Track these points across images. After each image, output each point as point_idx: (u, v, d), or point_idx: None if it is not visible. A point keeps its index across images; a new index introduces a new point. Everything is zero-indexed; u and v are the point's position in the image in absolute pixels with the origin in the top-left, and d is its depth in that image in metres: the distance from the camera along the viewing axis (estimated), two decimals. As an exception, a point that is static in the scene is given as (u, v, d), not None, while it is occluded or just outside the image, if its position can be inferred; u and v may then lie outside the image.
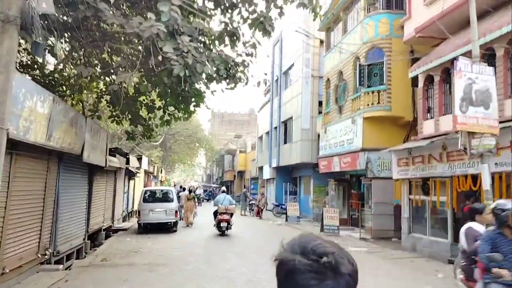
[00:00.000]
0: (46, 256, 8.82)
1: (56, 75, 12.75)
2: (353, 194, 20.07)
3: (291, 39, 25.96)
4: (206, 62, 8.04)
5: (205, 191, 49.93)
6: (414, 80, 15.74)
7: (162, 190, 17.88)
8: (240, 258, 10.50)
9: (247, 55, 8.83)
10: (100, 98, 13.72)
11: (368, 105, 16.14)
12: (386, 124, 16.22)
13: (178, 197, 19.25)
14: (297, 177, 27.01)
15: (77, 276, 8.46)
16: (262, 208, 25.69)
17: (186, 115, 12.07)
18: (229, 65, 8.74)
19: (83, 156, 9.67)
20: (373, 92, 16.04)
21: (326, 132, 20.15)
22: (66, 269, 9.25)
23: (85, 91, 14.50)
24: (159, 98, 12.01)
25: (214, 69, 8.34)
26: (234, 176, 46.47)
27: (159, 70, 7.92)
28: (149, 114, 12.30)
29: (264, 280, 7.95)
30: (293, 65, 25.20)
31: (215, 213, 15.73)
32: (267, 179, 31.10)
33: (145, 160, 24.42)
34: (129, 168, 19.66)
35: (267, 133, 30.95)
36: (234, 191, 47.20)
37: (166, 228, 16.06)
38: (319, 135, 22.75)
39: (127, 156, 17.62)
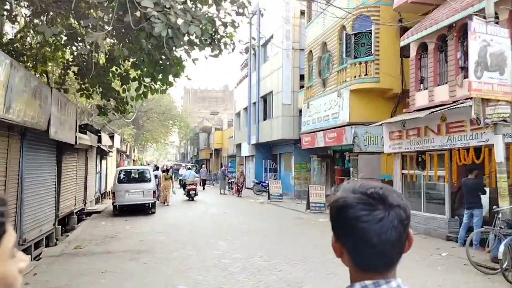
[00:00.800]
0: (10, 246, 7.73)
1: (16, 44, 11.35)
2: (336, 170, 19.57)
3: (270, 10, 24.75)
4: (191, 22, 7.01)
5: (177, 170, 48.72)
6: (404, 50, 15.09)
7: (138, 170, 16.77)
8: (228, 242, 9.70)
9: (238, 14, 7.80)
10: (67, 70, 12.37)
11: (355, 77, 15.41)
12: (373, 97, 15.58)
13: (155, 177, 18.23)
14: (277, 154, 26.32)
15: (48, 267, 7.47)
16: (241, 186, 24.96)
17: (164, 87, 11.00)
18: (217, 27, 7.73)
19: (49, 132, 8.51)
20: (360, 63, 15.29)
21: (309, 106, 19.39)
22: (34, 259, 8.22)
23: (49, 62, 13.09)
24: (133, 69, 10.86)
25: (200, 30, 7.29)
26: (210, 154, 45.45)
27: (136, 29, 6.83)
28: (123, 86, 11.12)
29: (262, 267, 7.17)
30: (272, 37, 24.10)
31: (184, 185, 20.93)
32: (245, 157, 30.31)
33: (117, 138, 23.09)
34: (101, 146, 18.38)
35: (245, 109, 29.96)
36: (211, 169, 46.28)
37: (143, 209, 15.06)
38: (300, 111, 22.01)
39: (99, 134, 16.35)
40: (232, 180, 25.78)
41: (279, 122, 22.45)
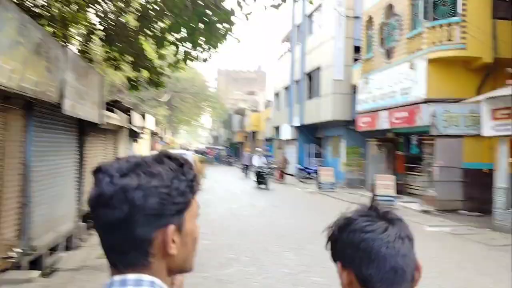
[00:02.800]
0: (12, 259, 5.73)
1: (32, 3, 9.32)
2: (399, 157, 16.91)
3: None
4: None
5: (202, 153, 46.87)
6: (497, 10, 12.19)
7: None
8: (295, 252, 7.42)
9: None
10: (91, 34, 10.22)
11: (434, 43, 12.62)
12: (455, 69, 12.83)
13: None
14: (322, 138, 23.77)
15: (60, 291, 5.40)
16: (283, 171, 22.70)
17: (209, 50, 8.71)
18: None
19: (63, 105, 6.38)
20: (441, 26, 12.46)
21: (368, 82, 16.69)
22: (46, 274, 6.20)
23: (70, 26, 10.96)
24: (171, 32, 8.60)
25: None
26: (245, 137, 43.27)
27: None
28: (158, 51, 8.87)
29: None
30: (320, 5, 21.33)
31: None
32: (286, 140, 27.88)
33: (150, 118, 21.16)
34: (132, 127, 16.41)
35: (286, 88, 27.41)
36: (243, 153, 44.18)
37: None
38: (355, 87, 19.32)
39: (129, 113, 14.32)
40: (274, 166, 23.48)
41: (328, 100, 19.84)
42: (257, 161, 19.64)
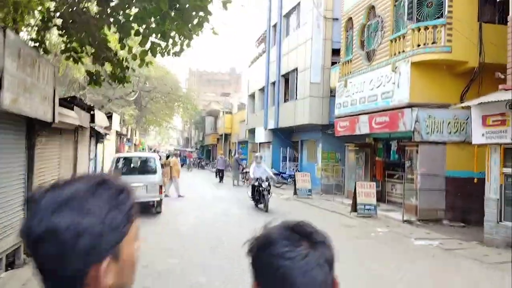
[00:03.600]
0: None
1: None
2: (378, 162, 16.34)
3: (296, -26, 21.28)
4: None
5: (178, 155, 45.52)
6: (483, 14, 11.77)
7: (140, 158, 13.51)
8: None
9: None
10: (48, 23, 9.04)
11: (418, 45, 12.07)
12: (439, 73, 12.30)
13: (162, 166, 15.05)
14: (298, 141, 23.06)
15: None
16: (257, 176, 21.75)
17: (179, 45, 7.77)
18: None
19: (0, 99, 5.26)
20: (426, 28, 11.92)
21: (347, 85, 16.07)
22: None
23: (24, 12, 9.73)
24: (137, 22, 7.61)
25: None
26: (218, 139, 42.22)
27: None
28: (122, 41, 7.81)
29: None
30: (298, 5, 20.67)
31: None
32: (260, 143, 27.07)
33: (116, 118, 19.85)
34: (96, 128, 15.15)
35: (262, 89, 26.61)
36: (215, 156, 43.08)
37: (146, 209, 11.91)
38: (333, 91, 18.71)
39: (92, 112, 13.09)
40: (247, 169, 22.56)
41: (305, 104, 19.14)
42: (257, 172, 14.17)
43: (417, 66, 12.15)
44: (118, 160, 12.14)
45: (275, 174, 21.33)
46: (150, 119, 36.57)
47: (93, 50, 8.86)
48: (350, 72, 16.08)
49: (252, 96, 29.23)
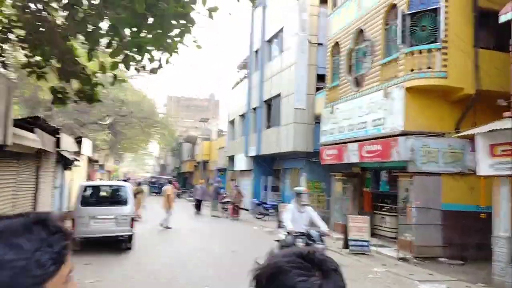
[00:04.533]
0: None
1: None
2: (366, 193, 15.48)
3: (279, -1, 20.89)
4: None
5: (153, 183, 43.63)
6: (478, 39, 11.32)
7: (111, 186, 12.19)
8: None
9: None
10: (7, 33, 7.95)
11: (412, 70, 11.46)
12: (434, 99, 11.69)
13: (135, 195, 13.75)
14: (280, 170, 22.10)
15: None
16: (237, 206, 20.62)
17: (161, 55, 6.79)
18: None
19: None
20: (420, 52, 11.36)
21: (334, 112, 15.35)
22: None
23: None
24: (110, 36, 6.64)
25: None
26: (195, 166, 40.83)
27: None
28: (91, 52, 6.76)
29: None
30: (281, 30, 20.14)
31: None
32: (240, 171, 25.97)
33: (87, 143, 18.47)
34: (62, 152, 13.81)
35: (243, 115, 25.74)
36: (193, 183, 41.57)
37: (115, 244, 10.57)
38: (317, 118, 17.99)
39: (57, 135, 11.81)
40: (228, 199, 21.36)
41: (289, 130, 18.30)
42: (298, 219, 7.87)
43: (411, 92, 11.50)
44: (85, 189, 10.80)
45: (257, 204, 20.26)
46: (126, 145, 35.10)
47: (58, 65, 7.80)
48: (338, 98, 15.40)
49: (232, 122, 28.31)
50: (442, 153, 11.68)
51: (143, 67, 7.43)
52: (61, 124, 19.79)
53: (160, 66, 7.19)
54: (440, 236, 11.52)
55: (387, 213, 14.44)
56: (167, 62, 7.08)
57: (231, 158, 27.82)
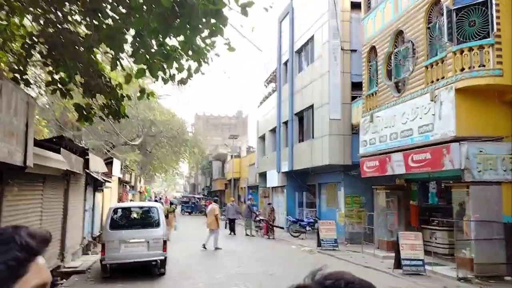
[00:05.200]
0: None
1: None
2: (412, 207, 14.30)
3: (306, 8, 20.25)
4: None
5: (185, 202, 43.16)
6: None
7: (141, 208, 11.57)
8: None
9: None
10: (30, 49, 7.52)
11: (463, 69, 10.43)
12: (487, 100, 10.58)
13: (166, 216, 13.13)
14: (315, 185, 21.08)
15: None
16: (272, 224, 19.71)
17: (189, 65, 6.16)
18: None
19: None
20: (471, 49, 10.33)
21: (373, 120, 14.37)
22: None
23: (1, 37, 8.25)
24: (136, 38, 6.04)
25: None
26: (226, 184, 40.26)
27: None
28: (116, 60, 6.18)
29: None
30: (311, 38, 19.43)
31: None
32: (272, 188, 25.09)
33: (117, 164, 18.12)
34: (93, 174, 13.40)
35: (273, 130, 24.99)
36: (225, 201, 40.88)
37: (147, 269, 9.88)
38: (354, 128, 17.03)
39: (86, 156, 11.36)
40: (261, 217, 20.48)
41: (324, 143, 17.36)
42: None
43: (462, 93, 10.45)
44: (115, 211, 10.21)
45: (292, 221, 19.29)
46: (156, 165, 34.89)
47: (82, 80, 7.31)
48: (377, 106, 14.43)
49: (262, 138, 27.59)
50: (501, 159, 10.50)
51: (172, 77, 6.79)
52: (91, 146, 19.60)
53: (189, 76, 6.55)
54: (504, 252, 10.25)
55: (438, 228, 13.22)
56: (196, 71, 6.43)
57: (262, 175, 27.01)
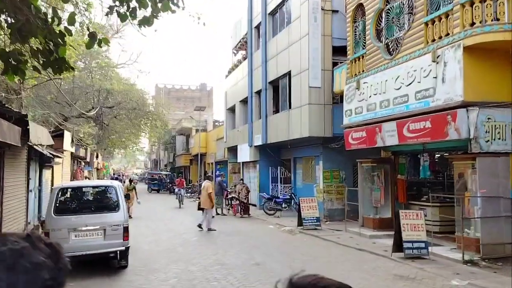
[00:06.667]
0: None
1: None
2: (399, 182, 13.17)
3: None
4: None
5: (152, 179, 41.12)
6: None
7: (96, 187, 9.61)
8: None
9: None
10: None
11: (473, 24, 9.07)
12: (499, 60, 9.33)
13: (127, 197, 11.30)
14: (290, 159, 19.71)
15: None
16: (245, 202, 18.27)
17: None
18: None
19: None
20: (483, 0, 8.96)
21: (360, 86, 12.95)
22: None
23: None
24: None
25: None
26: (191, 160, 38.30)
27: None
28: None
29: None
30: (287, -1, 17.62)
31: None
32: (243, 163, 23.54)
33: (68, 137, 15.87)
34: (37, 147, 11.26)
35: (244, 101, 23.23)
36: (191, 178, 39.06)
37: (104, 261, 8.12)
38: (334, 97, 15.66)
39: (27, 126, 9.23)
40: (233, 195, 18.93)
41: (304, 113, 15.84)
42: None
43: (471, 52, 9.12)
44: (60, 192, 8.23)
45: (267, 199, 17.90)
46: (115, 140, 32.34)
47: (11, 20, 5.34)
48: (363, 71, 13.01)
49: (231, 110, 25.77)
50: (510, 128, 9.36)
51: (132, 12, 4.95)
52: (40, 119, 17.13)
53: (155, 13, 4.76)
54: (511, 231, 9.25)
55: (428, 204, 12.16)
56: (165, 7, 4.69)
57: (232, 149, 25.35)
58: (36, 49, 5.45)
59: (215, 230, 13.23)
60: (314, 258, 9.02)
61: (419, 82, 10.37)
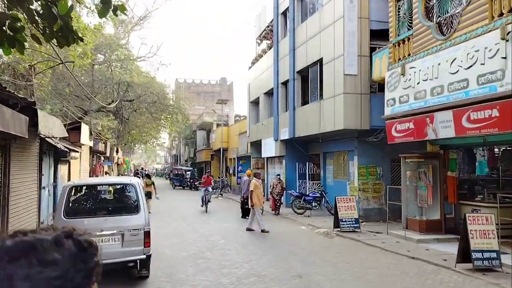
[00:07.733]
0: None
1: None
2: (449, 179, 11.72)
3: None
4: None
5: (176, 175, 39.57)
6: None
7: (113, 185, 8.49)
8: None
9: None
10: None
11: (555, -7, 7.58)
12: None
13: (147, 195, 10.19)
14: (319, 154, 18.37)
15: None
16: (278, 199, 17.19)
17: None
18: None
19: None
20: None
21: (405, 72, 11.53)
22: None
23: None
24: None
25: None
26: (212, 156, 37.24)
27: None
28: None
29: None
30: (318, -20, 16.23)
31: None
32: (267, 158, 22.31)
33: (86, 130, 14.91)
34: (50, 140, 10.25)
35: (269, 93, 21.96)
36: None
37: (122, 271, 7.01)
38: (371, 86, 14.28)
39: (36, 115, 8.20)
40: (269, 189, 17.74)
41: (338, 104, 14.48)
42: None
43: (554, 26, 7.65)
44: (73, 190, 7.15)
45: (296, 196, 16.64)
46: (135, 135, 31.52)
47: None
48: (410, 54, 11.58)
49: (255, 102, 24.51)
50: None
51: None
52: (58, 112, 16.26)
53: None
54: None
55: (484, 204, 10.71)
56: None
57: (255, 144, 24.14)
58: (34, 12, 4.30)
59: (268, 231, 12.02)
60: (364, 270, 7.71)
61: (483, 64, 8.90)
